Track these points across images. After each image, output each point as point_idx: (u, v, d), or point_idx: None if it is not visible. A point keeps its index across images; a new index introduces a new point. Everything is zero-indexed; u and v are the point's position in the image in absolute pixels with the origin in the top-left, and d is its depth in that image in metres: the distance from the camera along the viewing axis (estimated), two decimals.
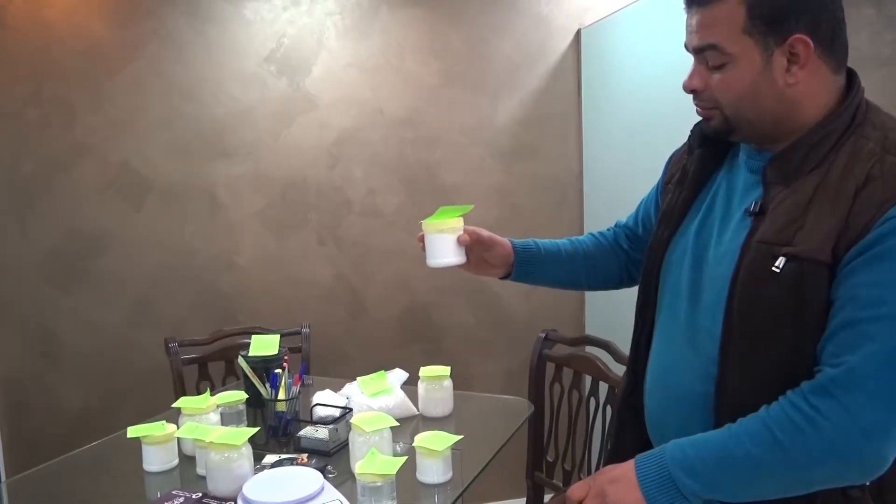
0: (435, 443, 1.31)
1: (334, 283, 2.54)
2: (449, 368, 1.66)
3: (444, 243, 1.15)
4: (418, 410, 1.61)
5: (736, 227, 0.95)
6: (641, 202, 1.24)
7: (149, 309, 2.47)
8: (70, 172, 2.36)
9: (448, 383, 1.65)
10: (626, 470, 0.91)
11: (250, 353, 1.63)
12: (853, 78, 0.92)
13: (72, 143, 2.34)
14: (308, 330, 2.32)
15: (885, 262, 0.81)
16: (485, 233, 1.20)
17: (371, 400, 1.59)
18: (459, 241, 1.16)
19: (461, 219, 1.17)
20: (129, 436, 1.44)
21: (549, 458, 1.89)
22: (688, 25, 0.92)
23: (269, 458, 1.41)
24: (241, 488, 1.23)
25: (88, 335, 2.43)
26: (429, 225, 1.15)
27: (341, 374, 1.92)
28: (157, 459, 1.43)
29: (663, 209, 1.08)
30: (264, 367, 1.58)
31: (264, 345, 1.66)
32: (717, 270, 0.95)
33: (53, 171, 2.35)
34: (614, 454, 1.12)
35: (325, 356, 2.53)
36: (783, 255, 0.86)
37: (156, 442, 1.43)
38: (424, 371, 1.66)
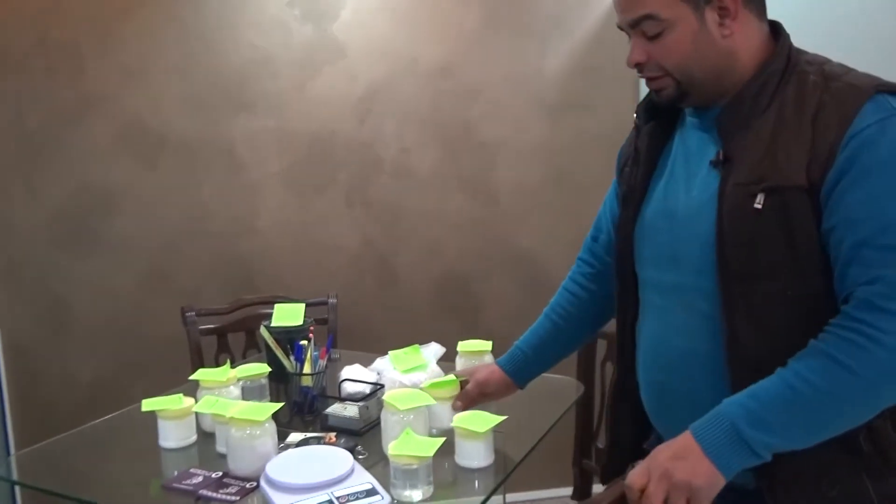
0: (476, 423, 1.30)
1: (363, 250, 2.54)
2: (490, 343, 1.63)
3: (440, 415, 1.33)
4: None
5: (703, 182, 1.02)
6: (600, 213, 1.31)
7: (163, 275, 2.48)
8: (78, 126, 2.37)
9: (489, 359, 1.62)
10: (684, 443, 0.94)
11: (273, 324, 1.65)
12: (778, 26, 1.03)
13: (80, 94, 2.35)
14: (335, 300, 2.31)
15: (870, 178, 0.89)
16: (472, 391, 1.35)
17: (404, 376, 1.57)
18: (453, 409, 1.35)
19: (454, 388, 1.35)
20: (143, 409, 1.44)
21: (600, 445, 1.88)
22: (616, 4, 1.03)
23: (294, 437, 1.41)
24: (264, 468, 1.23)
25: (100, 302, 2.45)
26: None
27: (371, 349, 1.92)
28: (173, 435, 1.44)
29: (624, 191, 1.15)
30: (288, 338, 1.59)
31: (288, 314, 1.67)
32: (694, 227, 1.01)
33: (61, 125, 2.36)
34: (613, 449, 1.18)
35: (353, 328, 2.51)
36: (761, 192, 0.93)
37: (173, 416, 1.43)
38: (463, 345, 1.63)
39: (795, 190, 0.92)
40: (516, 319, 2.51)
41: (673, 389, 1.05)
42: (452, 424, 1.30)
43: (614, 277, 1.15)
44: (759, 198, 0.93)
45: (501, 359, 1.35)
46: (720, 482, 0.91)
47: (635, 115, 1.15)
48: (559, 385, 1.70)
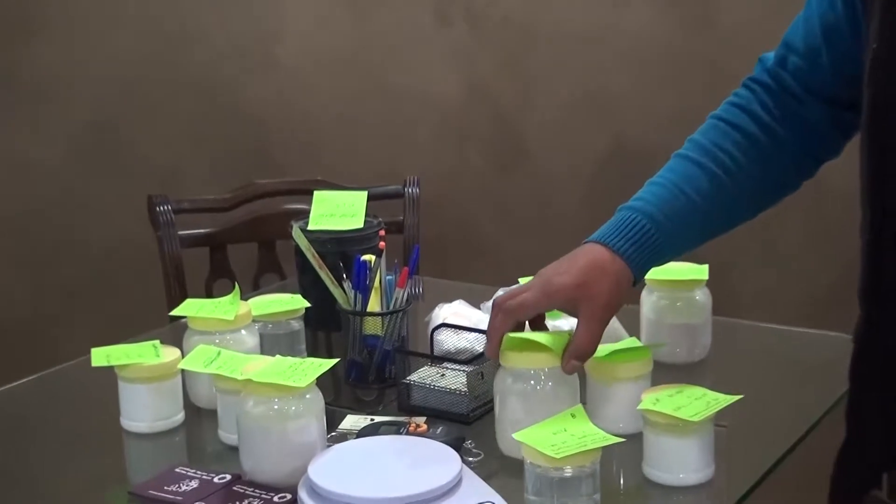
0: (682, 407, 1.27)
1: (467, 100, 2.55)
2: (706, 268, 1.61)
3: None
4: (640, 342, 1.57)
5: None
6: (801, 17, 1.35)
7: (115, 141, 2.51)
8: None
9: (703, 296, 1.62)
10: None
11: (312, 225, 1.67)
12: None
13: None
14: (416, 189, 2.30)
15: None
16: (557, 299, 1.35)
17: (549, 322, 1.47)
18: (564, 369, 1.34)
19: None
20: (94, 363, 1.44)
21: None
22: None
23: (354, 421, 1.42)
24: (304, 470, 1.23)
25: (8, 182, 2.49)
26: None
27: (484, 274, 1.95)
28: (147, 411, 1.44)
29: None
30: (339, 251, 1.61)
31: (338, 210, 1.71)
32: None
33: None
34: (851, 451, 1.23)
35: (450, 238, 2.51)
36: None
37: (144, 379, 1.43)
38: (654, 270, 1.52)
39: None
40: (745, 233, 2.51)
41: None
42: (640, 408, 1.30)
43: (868, 154, 1.18)
44: None
45: (607, 232, 1.34)
46: None
47: None
48: (832, 345, 1.64)
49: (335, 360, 1.38)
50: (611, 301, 1.32)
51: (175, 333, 1.58)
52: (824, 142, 1.38)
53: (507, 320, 1.34)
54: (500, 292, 1.62)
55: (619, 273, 1.32)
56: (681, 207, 1.35)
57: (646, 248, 1.34)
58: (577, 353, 1.32)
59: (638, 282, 1.36)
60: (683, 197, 1.35)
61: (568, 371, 1.33)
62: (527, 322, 1.38)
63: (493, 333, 1.34)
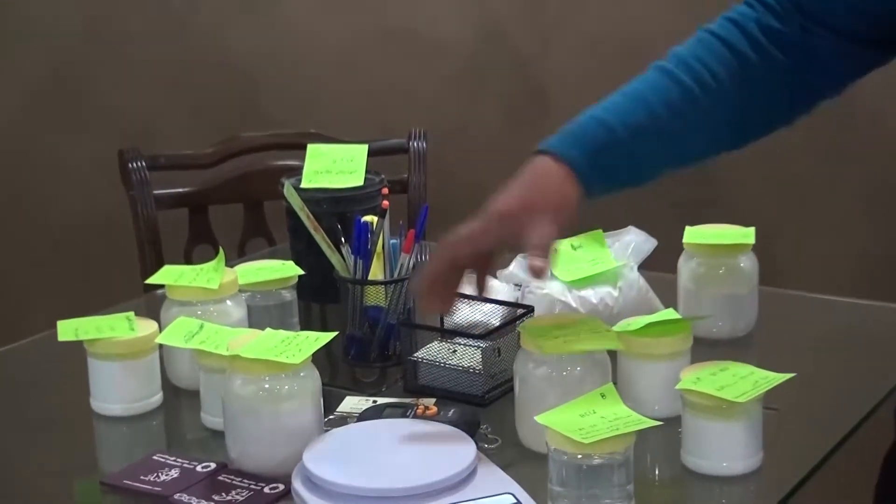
0: (726, 387, 1.25)
1: (479, 45, 2.57)
2: (752, 231, 1.60)
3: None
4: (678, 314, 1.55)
5: None
6: None
7: (78, 88, 2.53)
8: None
9: (749, 263, 1.62)
10: None
11: (306, 183, 1.69)
12: None
13: None
14: (423, 143, 2.28)
15: None
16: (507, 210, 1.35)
17: (574, 292, 1.55)
18: (531, 271, 1.32)
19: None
20: (60, 338, 1.44)
21: None
22: None
23: (354, 403, 1.42)
24: (298, 458, 1.23)
25: None
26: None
27: None
28: (119, 392, 1.43)
29: None
30: (337, 211, 1.62)
31: (335, 164, 1.72)
32: None
33: None
34: None
35: (461, 200, 2.45)
36: None
37: (118, 355, 1.42)
38: (693, 233, 1.60)
39: None
40: (795, 195, 2.56)
41: None
42: (679, 388, 1.28)
43: None
44: None
45: (551, 139, 1.35)
46: None
47: None
48: (891, 318, 1.69)
49: (333, 334, 1.36)
50: (563, 203, 1.32)
51: (152, 305, 1.57)
52: (827, 76, 1.37)
53: (444, 257, 1.34)
54: (518, 259, 1.64)
55: (564, 178, 1.32)
56: (642, 118, 1.34)
57: (594, 155, 1.33)
58: (540, 254, 1.29)
59: (591, 196, 1.34)
60: (646, 108, 1.34)
61: (534, 270, 1.30)
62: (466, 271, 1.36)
63: (426, 273, 1.34)
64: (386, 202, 1.56)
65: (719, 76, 1.35)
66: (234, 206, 2.26)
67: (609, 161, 1.34)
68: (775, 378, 1.27)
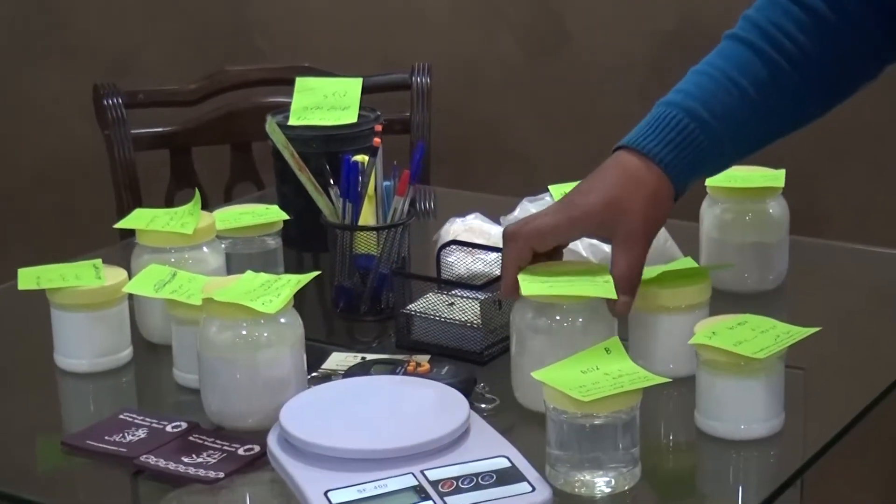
0: (745, 341, 1.25)
1: None
2: (782, 173, 1.59)
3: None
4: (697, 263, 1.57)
5: None
6: None
7: (48, 17, 2.57)
8: None
9: (779, 208, 1.61)
10: None
11: (293, 119, 1.70)
12: None
13: None
14: (427, 79, 2.30)
15: None
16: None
17: (584, 239, 1.53)
18: (616, 312, 1.33)
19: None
20: (21, 286, 1.44)
21: None
22: None
23: (341, 359, 1.42)
24: (276, 416, 1.23)
25: None
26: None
27: (511, 186, 2.05)
28: (85, 346, 1.43)
29: None
30: (325, 151, 1.63)
31: (326, 100, 1.74)
32: None
33: None
34: None
35: (472, 141, 2.53)
36: None
37: (83, 306, 1.43)
38: (717, 176, 1.57)
39: None
40: (830, 134, 2.48)
41: None
42: (692, 342, 1.27)
43: None
44: None
45: (639, 134, 1.34)
46: None
47: None
48: None
49: (314, 274, 1.35)
50: (649, 218, 1.31)
51: (124, 253, 1.57)
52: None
53: (523, 250, 1.33)
54: (524, 204, 1.66)
55: (656, 184, 1.30)
56: (732, 102, 1.32)
57: (687, 153, 1.32)
58: (621, 287, 1.29)
59: (680, 196, 1.34)
60: (735, 89, 1.32)
61: (619, 311, 1.31)
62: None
63: (507, 267, 1.32)
64: (378, 139, 1.54)
65: (801, 42, 1.33)
66: (219, 147, 2.28)
67: (702, 159, 1.33)
68: (798, 332, 1.25)
